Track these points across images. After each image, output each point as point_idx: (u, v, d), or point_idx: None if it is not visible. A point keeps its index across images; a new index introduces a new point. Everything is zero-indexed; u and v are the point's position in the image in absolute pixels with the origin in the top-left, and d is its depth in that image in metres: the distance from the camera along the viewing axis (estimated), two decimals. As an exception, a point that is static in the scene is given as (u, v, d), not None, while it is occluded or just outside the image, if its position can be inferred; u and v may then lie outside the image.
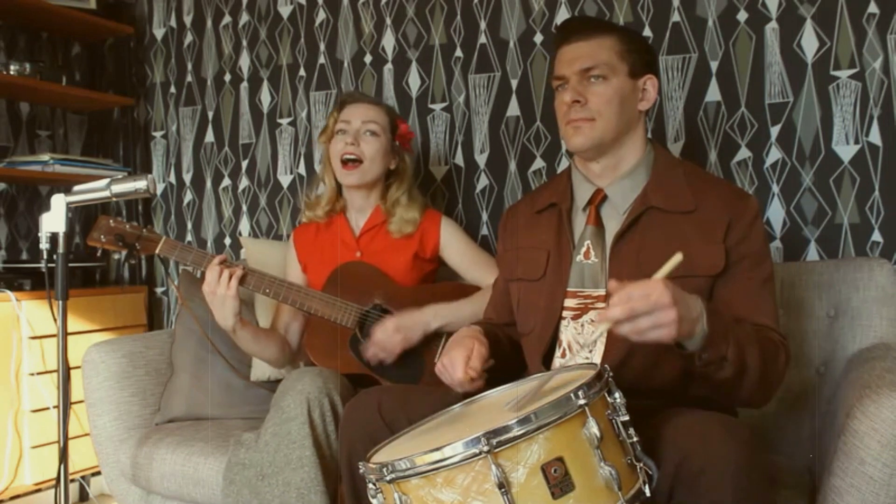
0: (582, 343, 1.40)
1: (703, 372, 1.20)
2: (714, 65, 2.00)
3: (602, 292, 1.40)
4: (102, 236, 1.80)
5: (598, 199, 1.46)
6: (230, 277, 1.76)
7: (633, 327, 1.10)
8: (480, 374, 1.36)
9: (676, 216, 1.39)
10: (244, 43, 2.67)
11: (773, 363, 1.28)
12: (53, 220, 1.55)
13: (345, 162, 1.92)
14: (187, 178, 2.81)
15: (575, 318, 1.42)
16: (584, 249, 1.44)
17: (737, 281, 1.35)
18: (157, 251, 1.82)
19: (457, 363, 1.35)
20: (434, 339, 1.85)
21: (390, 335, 1.77)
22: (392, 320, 1.78)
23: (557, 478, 0.96)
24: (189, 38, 2.78)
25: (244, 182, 2.69)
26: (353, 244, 1.99)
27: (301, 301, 1.83)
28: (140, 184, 1.60)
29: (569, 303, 1.43)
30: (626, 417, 1.05)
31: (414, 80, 2.39)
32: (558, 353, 1.44)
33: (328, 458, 1.58)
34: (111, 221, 1.81)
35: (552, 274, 1.47)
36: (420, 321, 1.80)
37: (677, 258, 1.14)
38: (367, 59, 2.46)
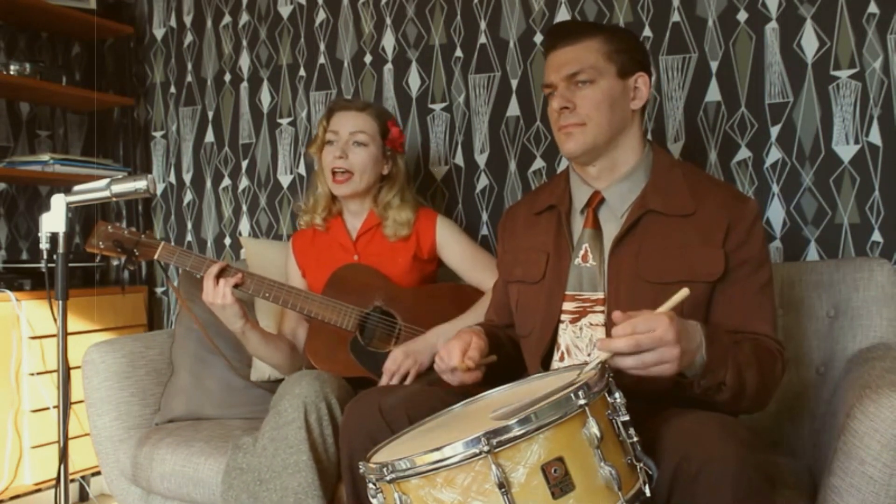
0: (584, 368, 1.40)
1: (701, 396, 1.21)
2: (714, 65, 2.00)
3: (601, 296, 1.40)
4: (101, 242, 1.79)
5: (595, 202, 1.46)
6: (224, 286, 1.75)
7: (638, 361, 1.10)
8: (478, 366, 1.36)
9: (675, 219, 1.39)
10: (244, 43, 2.67)
11: (770, 377, 1.29)
12: (53, 220, 1.55)
13: (335, 173, 1.91)
14: (187, 178, 2.81)
15: (573, 321, 1.42)
16: (581, 252, 1.44)
17: (736, 287, 1.35)
18: (155, 257, 1.81)
19: (453, 352, 1.36)
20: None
21: (401, 362, 1.76)
22: (399, 348, 1.78)
23: (557, 478, 0.96)
24: (189, 38, 2.78)
25: (244, 182, 2.69)
26: (350, 247, 1.98)
27: (301, 304, 1.83)
28: (140, 184, 1.60)
29: (567, 306, 1.43)
30: (627, 417, 1.05)
31: (414, 80, 2.39)
32: (556, 355, 1.44)
33: (325, 462, 1.57)
34: (109, 227, 1.80)
35: (551, 277, 1.46)
36: (427, 343, 1.79)
37: (683, 293, 1.14)
38: (367, 59, 2.46)
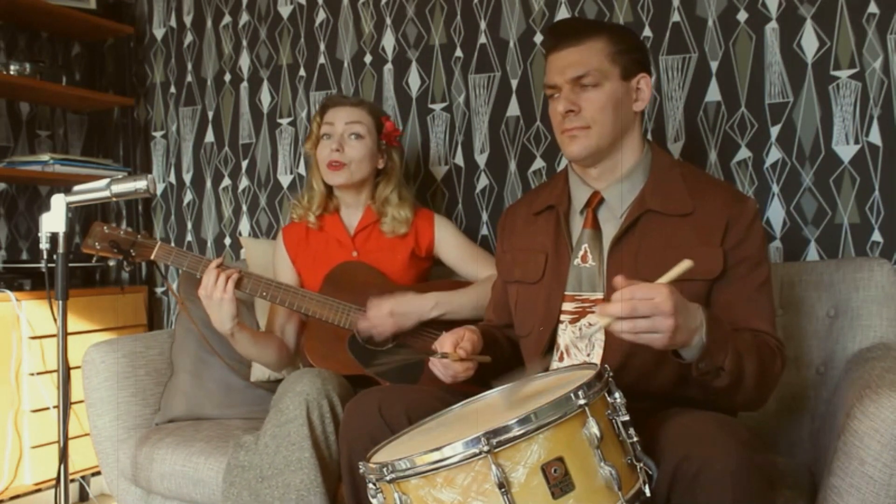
0: (580, 335, 1.40)
1: (699, 380, 1.21)
2: (714, 65, 2.00)
3: (600, 296, 1.40)
4: (97, 243, 1.78)
5: (595, 202, 1.45)
6: (226, 280, 1.75)
7: (631, 326, 1.10)
8: (469, 359, 1.36)
9: (674, 219, 1.39)
10: (244, 43, 2.67)
11: (769, 370, 1.29)
12: (53, 220, 1.55)
13: (330, 164, 1.92)
14: (187, 178, 2.81)
15: (573, 321, 1.42)
16: (581, 253, 1.44)
17: (735, 285, 1.35)
18: (151, 257, 1.81)
19: (444, 343, 1.38)
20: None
21: (384, 318, 1.78)
22: (388, 304, 1.79)
23: (557, 478, 0.96)
24: (189, 38, 2.78)
25: (244, 182, 2.69)
26: (348, 243, 1.98)
27: (298, 303, 1.83)
28: (140, 184, 1.60)
29: (566, 306, 1.43)
30: (627, 417, 1.05)
31: (414, 80, 2.39)
32: (556, 356, 1.44)
33: (327, 459, 1.58)
34: (105, 228, 1.79)
35: (550, 277, 1.46)
36: (416, 310, 1.81)
37: (686, 264, 1.14)
38: (367, 59, 2.46)
